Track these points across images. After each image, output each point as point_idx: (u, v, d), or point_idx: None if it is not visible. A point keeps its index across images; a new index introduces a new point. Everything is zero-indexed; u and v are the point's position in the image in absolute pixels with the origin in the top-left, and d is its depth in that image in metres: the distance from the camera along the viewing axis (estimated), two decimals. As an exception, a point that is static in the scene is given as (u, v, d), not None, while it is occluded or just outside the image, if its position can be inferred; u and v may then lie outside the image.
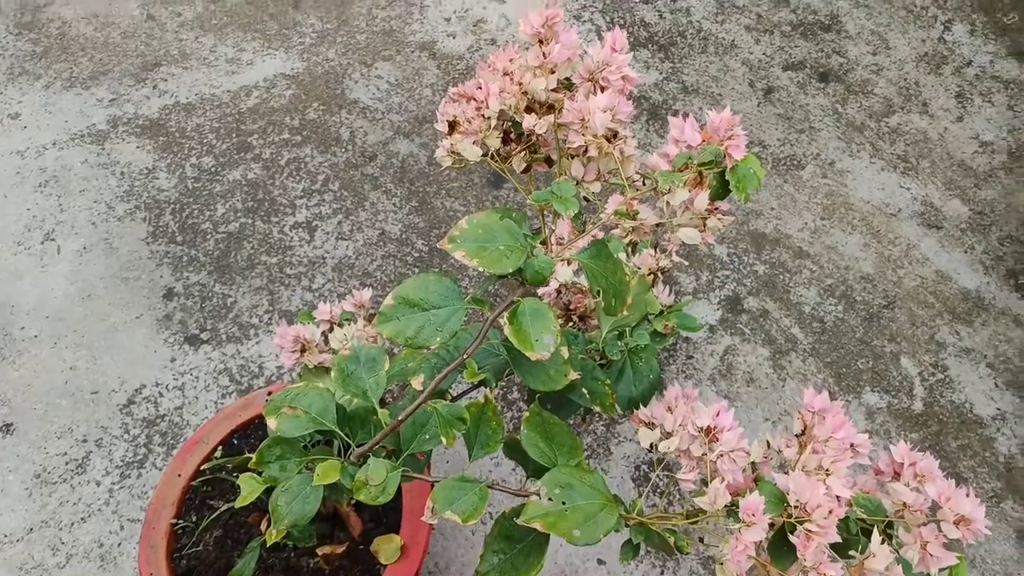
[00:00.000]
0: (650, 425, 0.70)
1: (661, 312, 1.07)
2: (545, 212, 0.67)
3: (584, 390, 0.83)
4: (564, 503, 0.61)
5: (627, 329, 1.00)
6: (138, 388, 1.19)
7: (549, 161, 0.67)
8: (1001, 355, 1.27)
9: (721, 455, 0.61)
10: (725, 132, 0.61)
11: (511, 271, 0.61)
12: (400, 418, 0.61)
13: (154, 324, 1.25)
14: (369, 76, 1.57)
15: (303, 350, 0.90)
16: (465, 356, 0.62)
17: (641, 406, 1.00)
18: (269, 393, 0.96)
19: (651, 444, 0.65)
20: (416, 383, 0.76)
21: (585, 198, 0.66)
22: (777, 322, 1.29)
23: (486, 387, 0.82)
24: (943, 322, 1.30)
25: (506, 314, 0.61)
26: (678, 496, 1.13)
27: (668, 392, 0.72)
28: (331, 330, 0.96)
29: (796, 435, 0.65)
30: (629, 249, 0.99)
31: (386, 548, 0.86)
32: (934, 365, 1.26)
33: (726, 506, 0.58)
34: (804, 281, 1.34)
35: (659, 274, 1.02)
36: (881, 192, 1.44)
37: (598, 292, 0.64)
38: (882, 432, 1.20)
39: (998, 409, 1.22)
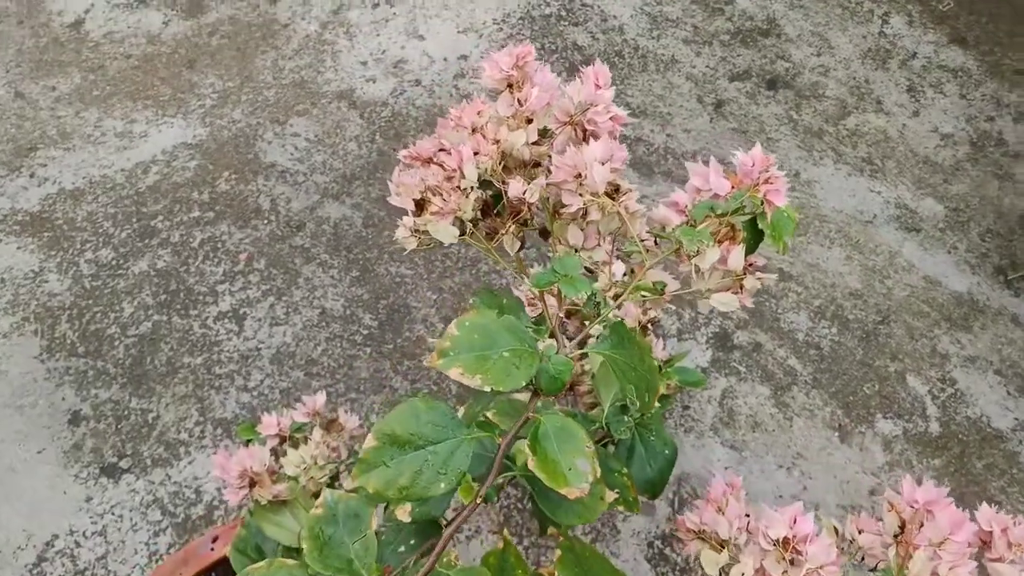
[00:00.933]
0: (701, 534, 0.58)
1: (659, 368, 0.96)
2: (545, 297, 0.54)
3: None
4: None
5: (628, 399, 0.88)
6: (49, 540, 1.00)
7: (545, 233, 0.55)
8: (1007, 359, 1.21)
9: (810, 574, 0.49)
10: (760, 174, 0.50)
11: (524, 384, 0.48)
12: (403, 603, 0.47)
13: (61, 458, 1.06)
14: (284, 135, 1.42)
15: (252, 483, 0.75)
16: (477, 495, 0.48)
17: (658, 487, 0.88)
18: (214, 540, 0.80)
19: (719, 572, 0.53)
20: (402, 513, 0.62)
21: (587, 268, 0.54)
22: (772, 355, 1.20)
23: (485, 502, 0.69)
24: (942, 331, 1.23)
25: (528, 442, 0.48)
26: (700, 572, 1.00)
27: (712, 487, 0.59)
28: (282, 443, 0.81)
29: (893, 535, 0.54)
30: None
31: None
32: (942, 380, 1.18)
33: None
34: (792, 306, 1.25)
35: (649, 326, 0.91)
36: (852, 199, 1.38)
37: (631, 393, 0.52)
38: (903, 462, 1.11)
39: (1016, 419, 1.15)
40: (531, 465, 0.46)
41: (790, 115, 1.49)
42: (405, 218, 0.52)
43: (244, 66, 1.52)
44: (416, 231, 0.52)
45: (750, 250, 0.50)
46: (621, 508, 0.74)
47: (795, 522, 0.50)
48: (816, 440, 1.12)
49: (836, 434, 1.13)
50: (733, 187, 0.50)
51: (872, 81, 1.55)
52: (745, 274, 0.51)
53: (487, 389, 0.46)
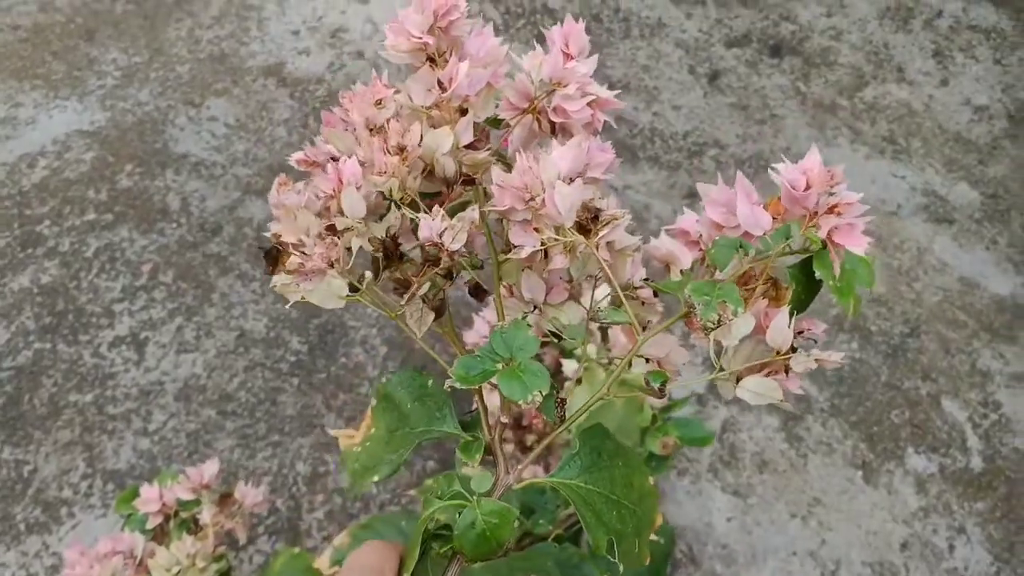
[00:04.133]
0: None
1: (654, 420, 0.80)
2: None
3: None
4: None
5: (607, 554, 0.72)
6: None
7: (479, 292, 0.38)
8: (1059, 376, 1.06)
9: None
10: (818, 198, 0.34)
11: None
12: None
13: (-88, 527, 0.90)
14: (200, 119, 1.25)
15: (108, 592, 0.60)
16: None
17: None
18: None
19: None
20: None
21: (553, 334, 0.39)
22: (781, 377, 1.04)
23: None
24: (981, 344, 1.08)
25: None
26: (699, 650, 0.86)
27: None
28: (167, 521, 0.66)
29: None
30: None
31: None
32: (983, 403, 1.03)
33: None
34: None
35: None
36: (873, 186, 1.22)
37: (608, 547, 0.35)
38: (941, 507, 0.96)
39: (1073, 449, 1.01)
40: None
41: (797, 87, 1.32)
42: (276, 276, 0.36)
43: (153, 37, 1.34)
44: (304, 273, 0.35)
45: (799, 307, 0.34)
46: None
47: None
48: (836, 481, 0.97)
49: (860, 473, 0.98)
50: (775, 219, 0.34)
51: (892, 46, 1.38)
52: (793, 349, 0.34)
53: None
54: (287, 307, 0.39)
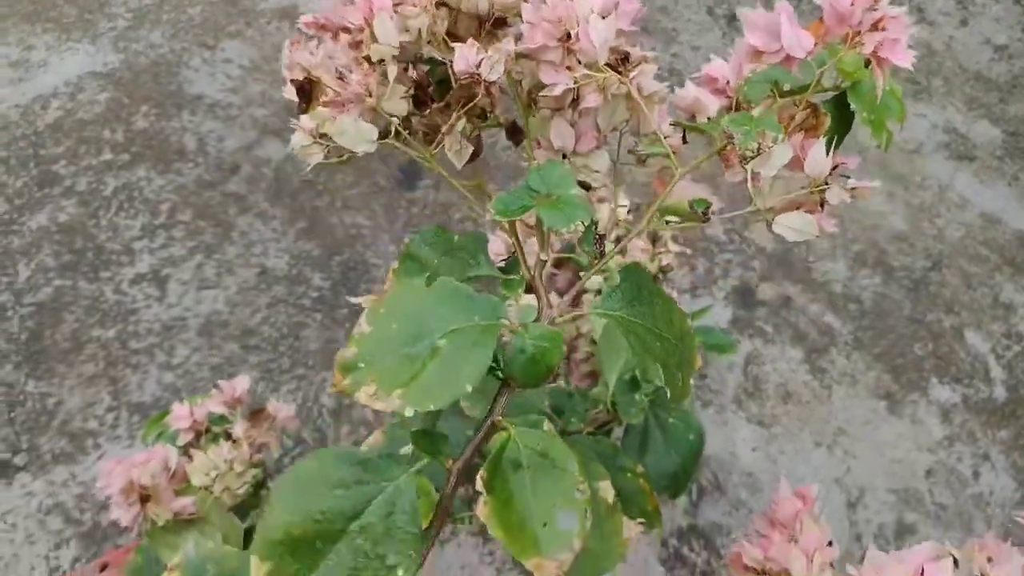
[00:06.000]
0: (762, 573, 0.43)
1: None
2: (516, 228, 0.38)
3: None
4: None
5: (636, 372, 0.72)
6: (-77, 559, 0.84)
7: (515, 131, 0.38)
8: (1082, 309, 1.06)
9: None
10: (862, 15, 0.34)
11: (470, 390, 0.32)
12: None
13: (-61, 457, 0.90)
14: (214, 61, 1.24)
15: (145, 498, 0.60)
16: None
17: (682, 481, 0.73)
18: (102, 568, 0.64)
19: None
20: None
21: (580, 184, 0.38)
22: (804, 311, 1.04)
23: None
24: (1004, 277, 1.08)
25: (481, 474, 0.32)
26: None
27: (779, 504, 0.44)
28: (199, 439, 0.66)
29: None
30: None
31: None
32: (1007, 335, 1.03)
33: None
34: (826, 252, 1.09)
35: (661, 275, 0.75)
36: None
37: (655, 374, 0.36)
38: (965, 436, 0.96)
39: (1096, 380, 1.01)
40: (481, 512, 0.30)
41: (817, 27, 1.31)
42: (303, 116, 0.35)
43: (165, -20, 1.32)
44: (317, 138, 0.35)
45: (834, 144, 0.34)
46: (640, 526, 0.59)
47: (923, 573, 0.34)
48: (860, 412, 0.97)
49: (884, 404, 0.98)
50: (817, 43, 0.34)
51: (912, -14, 1.37)
52: (828, 183, 0.35)
53: (408, 413, 0.29)
54: (306, 171, 0.38)
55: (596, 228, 0.37)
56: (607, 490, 0.39)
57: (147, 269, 1.05)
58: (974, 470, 0.94)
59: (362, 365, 0.30)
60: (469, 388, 0.30)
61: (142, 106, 1.18)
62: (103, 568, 0.63)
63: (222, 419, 0.65)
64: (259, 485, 0.64)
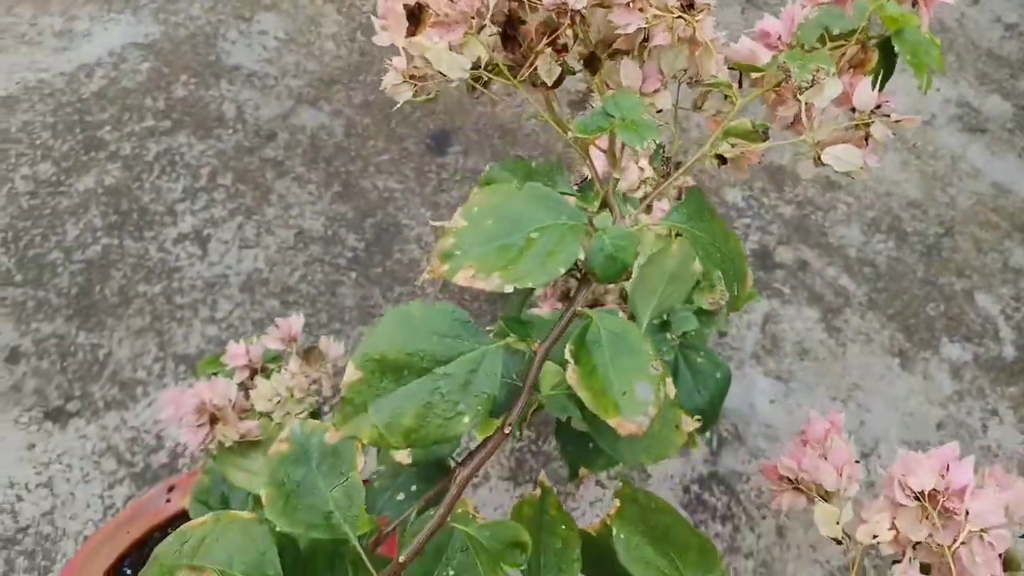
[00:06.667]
0: (798, 484, 0.46)
1: (697, 283, 0.83)
2: (591, 154, 0.42)
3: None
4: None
5: (666, 314, 0.76)
6: (-15, 496, 0.88)
7: (593, 61, 0.41)
8: (1088, 274, 1.09)
9: (971, 538, 0.36)
10: None
11: (564, 272, 0.35)
12: (403, 559, 0.35)
13: (-3, 402, 0.94)
14: (250, 33, 1.27)
15: (214, 420, 0.63)
16: (506, 423, 0.36)
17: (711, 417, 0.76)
18: (170, 489, 0.68)
19: (841, 533, 0.41)
20: (401, 456, 0.50)
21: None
22: (820, 273, 1.08)
23: (513, 436, 0.57)
24: (1014, 243, 1.11)
25: (569, 346, 0.36)
26: (745, 519, 0.90)
27: (811, 425, 0.47)
28: (253, 376, 0.69)
29: None
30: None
31: None
32: (1015, 298, 1.07)
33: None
34: (842, 218, 1.13)
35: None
36: (908, 98, 1.24)
37: (717, 278, 0.39)
38: (974, 391, 1.00)
39: (1101, 341, 1.04)
40: (570, 378, 0.34)
41: (833, 4, 1.34)
42: (395, 58, 0.39)
43: (202, -44, 1.36)
44: (411, 76, 0.39)
45: (878, 84, 0.37)
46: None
47: (948, 469, 0.37)
48: (874, 368, 1.01)
49: (897, 361, 1.01)
50: None
51: (926, -34, 1.40)
52: (872, 118, 0.38)
53: (509, 289, 0.33)
54: (396, 107, 0.42)
55: (663, 149, 0.41)
56: (668, 386, 0.43)
57: (189, 229, 1.09)
58: (983, 424, 0.97)
59: (459, 253, 0.34)
60: (562, 270, 0.34)
61: (182, 75, 1.22)
62: (171, 489, 0.67)
63: (276, 357, 0.69)
64: (315, 414, 0.68)
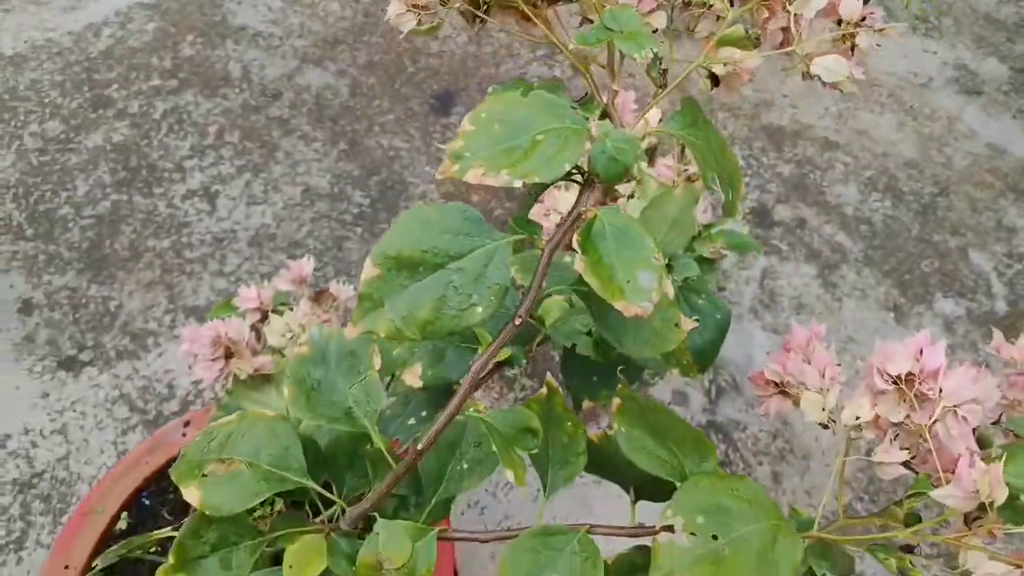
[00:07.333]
0: (781, 386, 0.48)
1: (699, 233, 0.85)
2: (590, 69, 0.42)
3: (652, 347, 0.60)
4: (717, 537, 0.38)
5: (668, 259, 0.77)
6: (0, 440, 0.90)
7: None
8: (1080, 232, 1.10)
9: (945, 414, 0.38)
10: None
11: (569, 168, 0.37)
12: (421, 447, 0.36)
13: (11, 351, 0.95)
14: (255, -6, 1.27)
15: (229, 355, 0.64)
16: (516, 315, 0.37)
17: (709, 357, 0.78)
18: (186, 424, 0.69)
19: (827, 417, 0.42)
20: (410, 377, 0.51)
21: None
22: (818, 231, 1.09)
23: (510, 366, 0.58)
24: (1008, 202, 1.12)
25: (577, 238, 0.37)
26: (742, 465, 0.92)
27: (794, 335, 0.49)
28: (264, 320, 0.70)
29: None
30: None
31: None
32: (1008, 255, 1.08)
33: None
34: (839, 177, 1.13)
35: (690, 180, 0.80)
36: (905, 61, 1.25)
37: (713, 181, 0.40)
38: (967, 344, 1.01)
39: (1091, 296, 1.05)
40: (579, 266, 0.35)
41: (833, -32, 1.34)
42: None
43: (206, -83, 1.35)
44: (413, 5, 0.39)
45: None
46: (676, 372, 0.64)
47: (921, 353, 0.39)
48: (869, 322, 1.02)
49: (891, 315, 1.03)
50: None
51: (925, -69, 1.39)
52: (858, 29, 0.39)
53: (517, 184, 0.34)
54: (401, 37, 0.43)
55: (660, 60, 0.41)
56: (668, 287, 0.44)
57: (198, 185, 1.09)
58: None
59: (468, 154, 0.35)
60: (567, 167, 0.35)
61: (188, 35, 1.22)
62: (187, 424, 0.68)
63: (287, 299, 0.70)
64: (325, 352, 0.69)
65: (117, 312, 0.99)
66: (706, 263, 0.80)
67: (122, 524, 0.64)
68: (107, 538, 0.63)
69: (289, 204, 1.08)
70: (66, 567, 0.62)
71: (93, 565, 0.56)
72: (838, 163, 1.15)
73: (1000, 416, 0.45)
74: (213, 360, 0.63)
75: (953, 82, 1.23)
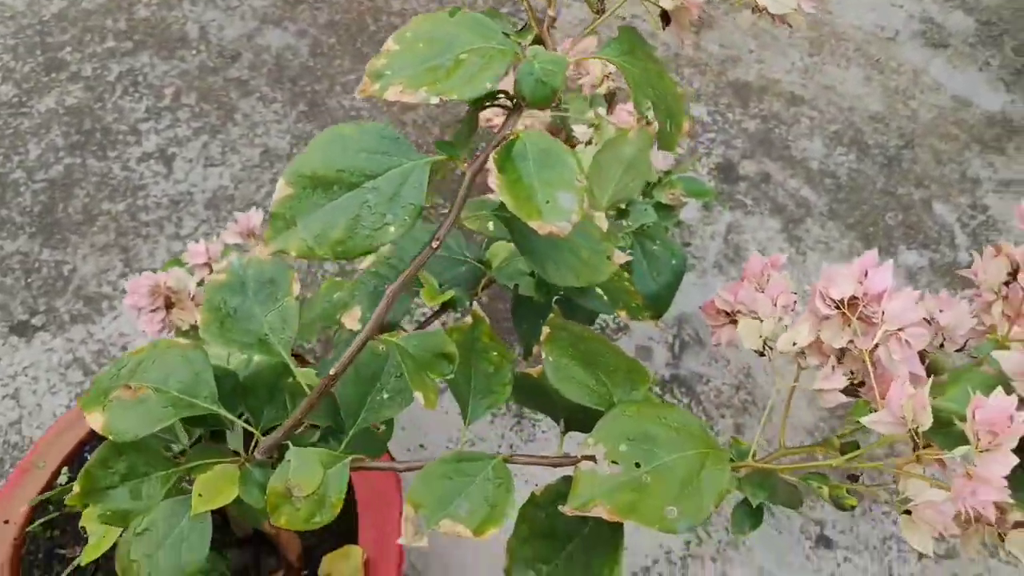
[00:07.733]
0: (732, 315, 0.47)
1: (658, 180, 0.83)
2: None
3: (598, 289, 0.59)
4: (640, 465, 0.36)
5: (623, 205, 0.75)
6: (-47, 407, 0.88)
7: None
8: (1045, 183, 1.09)
9: (887, 338, 0.37)
10: None
11: (490, 89, 0.35)
12: (333, 372, 0.35)
13: (-38, 316, 0.93)
14: (211, -46, 1.23)
15: (169, 305, 0.63)
16: (434, 238, 0.35)
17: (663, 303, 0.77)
18: (128, 378, 0.68)
19: (763, 344, 0.41)
20: (350, 320, 0.50)
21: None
22: (782, 185, 1.07)
23: (454, 310, 0.57)
24: (972, 154, 1.11)
25: (494, 156, 0.35)
26: (704, 418, 0.91)
27: (750, 263, 0.48)
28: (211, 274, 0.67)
29: (996, 290, 0.42)
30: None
31: (342, 568, 0.61)
32: (972, 206, 1.07)
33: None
34: (805, 132, 1.12)
35: (649, 123, 0.78)
36: (872, 14, 1.23)
37: (647, 109, 0.39)
38: (930, 293, 1.00)
39: (1055, 246, 1.05)
40: (493, 183, 0.34)
41: (800, -77, 1.32)
42: None
43: None
44: None
45: None
46: (624, 315, 0.63)
47: (866, 275, 0.38)
48: (833, 274, 1.01)
49: (855, 267, 1.02)
50: None
51: None
52: None
53: (434, 100, 0.33)
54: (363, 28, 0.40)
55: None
56: (601, 220, 0.42)
57: (154, 148, 1.06)
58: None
59: (389, 73, 0.34)
60: (488, 86, 0.33)
61: (142, -3, 1.19)
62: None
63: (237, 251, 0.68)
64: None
65: (71, 276, 0.97)
66: (665, 210, 0.78)
67: (63, 479, 0.63)
68: (47, 492, 0.61)
69: (248, 166, 1.06)
70: (5, 522, 0.60)
71: (42, 506, 0.55)
72: (804, 118, 1.13)
73: (965, 343, 0.44)
74: (153, 311, 0.62)
75: (919, 35, 1.21)
